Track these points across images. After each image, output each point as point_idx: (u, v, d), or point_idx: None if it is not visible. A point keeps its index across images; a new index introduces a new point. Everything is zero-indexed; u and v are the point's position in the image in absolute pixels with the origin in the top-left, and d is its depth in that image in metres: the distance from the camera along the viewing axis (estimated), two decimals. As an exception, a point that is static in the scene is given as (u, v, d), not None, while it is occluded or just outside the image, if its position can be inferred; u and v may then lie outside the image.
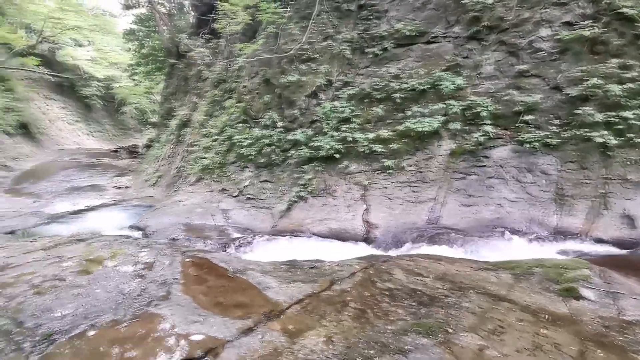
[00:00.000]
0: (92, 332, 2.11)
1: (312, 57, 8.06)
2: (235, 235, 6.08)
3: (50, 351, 1.95)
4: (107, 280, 2.87)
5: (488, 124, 6.12)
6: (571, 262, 3.82)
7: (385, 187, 6.37)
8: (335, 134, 7.13)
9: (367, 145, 6.74)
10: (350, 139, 6.91)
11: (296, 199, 6.81)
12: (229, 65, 10.56)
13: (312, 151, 7.16)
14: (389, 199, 6.21)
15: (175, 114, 13.41)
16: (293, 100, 7.96)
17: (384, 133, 6.74)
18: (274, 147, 7.79)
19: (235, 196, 7.64)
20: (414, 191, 6.17)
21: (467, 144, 6.25)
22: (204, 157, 9.02)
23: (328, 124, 7.33)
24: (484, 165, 6.04)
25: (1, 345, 2.00)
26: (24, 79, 19.75)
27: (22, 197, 10.69)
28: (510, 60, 6.48)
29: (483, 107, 6.18)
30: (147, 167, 13.49)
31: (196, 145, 10.08)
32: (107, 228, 6.98)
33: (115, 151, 19.55)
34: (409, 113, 6.75)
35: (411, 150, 6.56)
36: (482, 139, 6.08)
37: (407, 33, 7.37)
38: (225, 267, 3.31)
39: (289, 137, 7.61)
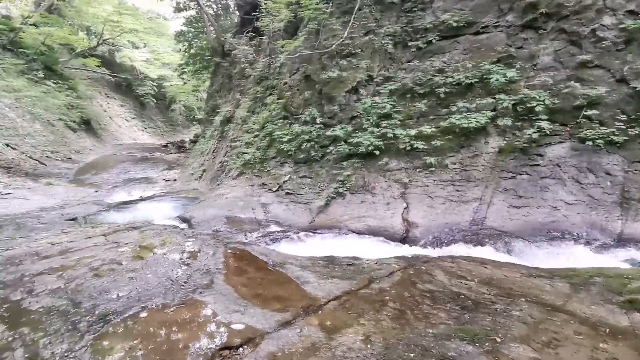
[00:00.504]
0: (143, 314, 2.26)
1: (353, 52, 7.96)
2: (275, 229, 6.20)
3: (105, 331, 2.10)
4: (158, 266, 3.06)
5: (543, 120, 5.66)
6: (636, 272, 3.44)
7: (427, 186, 6.15)
8: (375, 130, 7.00)
9: (408, 142, 6.54)
10: (391, 135, 6.74)
11: (334, 195, 6.80)
12: (271, 62, 10.77)
13: (352, 147, 7.09)
14: (431, 197, 5.98)
15: (219, 110, 13.95)
16: (333, 96, 7.93)
17: (427, 129, 6.49)
18: (313, 143, 7.82)
19: (275, 191, 7.79)
20: (457, 190, 5.89)
21: (518, 141, 5.83)
22: (246, 153, 9.28)
23: (368, 120, 7.21)
24: (537, 165, 5.60)
25: (57, 325, 2.16)
26: (86, 79, 21.64)
27: (84, 187, 11.74)
28: (571, 50, 5.93)
29: (538, 101, 5.72)
30: (193, 162, 14.21)
31: (238, 140, 10.41)
32: (157, 217, 7.43)
33: (165, 146, 20.83)
34: (454, 108, 6.44)
35: (455, 147, 6.26)
36: (535, 135, 5.64)
37: (454, 24, 7.02)
38: (265, 259, 3.39)
39: (329, 133, 7.59)
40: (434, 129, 6.47)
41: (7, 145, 11.12)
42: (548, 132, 5.59)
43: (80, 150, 15.98)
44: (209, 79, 18.78)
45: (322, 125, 7.89)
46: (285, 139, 8.25)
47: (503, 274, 3.44)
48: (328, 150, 7.58)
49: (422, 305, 2.62)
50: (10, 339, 1.97)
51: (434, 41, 7.27)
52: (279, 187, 7.85)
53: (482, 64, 6.52)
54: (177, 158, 17.50)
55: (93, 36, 22.45)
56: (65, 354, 1.84)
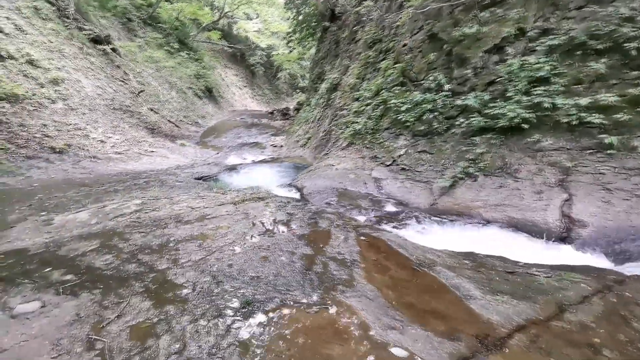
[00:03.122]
0: (286, 311, 1.98)
1: (498, 0, 6.42)
2: (392, 208, 5.62)
3: (253, 323, 1.86)
4: (288, 246, 2.82)
5: None
6: None
7: (601, 173, 4.66)
8: (524, 98, 5.59)
9: (575, 115, 5.02)
10: (548, 105, 5.28)
11: (462, 176, 5.80)
12: (388, 21, 9.71)
13: (488, 120, 5.87)
14: (607, 189, 4.52)
15: (325, 77, 13.64)
16: (466, 58, 6.64)
17: (607, 98, 4.85)
18: (437, 113, 6.80)
19: (388, 165, 7.14)
20: (653, 183, 4.29)
21: None
22: (355, 122, 8.76)
23: (515, 85, 5.80)
24: None
25: (203, 307, 1.98)
26: (209, 51, 23.73)
27: (207, 148, 13.03)
28: None
29: None
30: (298, 129, 14.42)
31: (346, 109, 9.93)
32: (270, 182, 7.62)
33: (271, 113, 21.83)
34: (657, 69, 4.61)
35: (654, 123, 4.54)
36: None
37: (667, -54, 4.90)
38: (405, 254, 2.85)
39: (458, 102, 6.45)
40: (617, 98, 4.80)
41: (151, 109, 12.88)
42: None
43: (204, 115, 17.79)
44: (315, 47, 18.53)
45: (449, 93, 6.76)
46: (402, 108, 7.39)
47: None
48: (455, 122, 6.48)
49: (665, 367, 1.74)
50: (155, 319, 1.86)
51: (627, -25, 5.26)
52: (393, 161, 7.16)
53: None
54: (282, 125, 18.16)
55: (216, 10, 24.20)
56: (212, 351, 1.64)
